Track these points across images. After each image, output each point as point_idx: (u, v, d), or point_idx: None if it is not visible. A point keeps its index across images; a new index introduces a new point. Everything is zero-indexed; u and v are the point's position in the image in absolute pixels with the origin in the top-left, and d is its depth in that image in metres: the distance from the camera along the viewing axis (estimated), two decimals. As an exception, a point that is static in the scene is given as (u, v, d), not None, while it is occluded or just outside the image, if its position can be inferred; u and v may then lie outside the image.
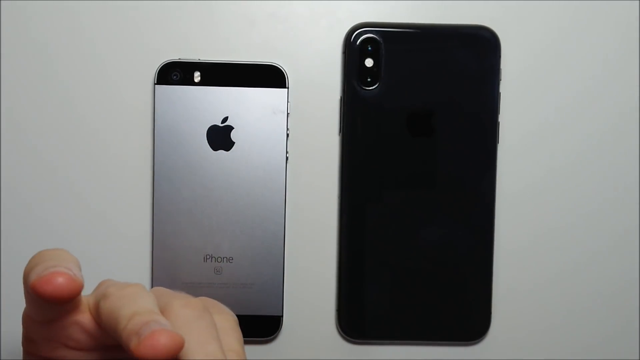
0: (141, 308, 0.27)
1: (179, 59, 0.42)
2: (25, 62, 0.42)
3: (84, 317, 0.29)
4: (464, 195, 0.42)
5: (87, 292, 0.31)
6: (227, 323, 0.30)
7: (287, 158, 0.42)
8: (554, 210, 0.44)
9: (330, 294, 0.43)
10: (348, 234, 0.42)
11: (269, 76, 0.42)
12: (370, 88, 0.42)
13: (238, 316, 0.42)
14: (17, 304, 0.43)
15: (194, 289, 0.42)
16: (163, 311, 0.28)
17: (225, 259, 0.42)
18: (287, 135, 0.42)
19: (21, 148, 0.43)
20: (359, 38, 0.42)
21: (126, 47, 0.43)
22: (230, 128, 0.42)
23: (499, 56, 0.42)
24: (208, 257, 0.42)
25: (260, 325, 0.42)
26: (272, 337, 0.43)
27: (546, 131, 0.44)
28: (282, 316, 0.43)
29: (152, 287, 0.42)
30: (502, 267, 0.44)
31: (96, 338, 0.29)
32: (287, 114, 0.42)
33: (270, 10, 0.43)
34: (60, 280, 0.27)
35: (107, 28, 0.43)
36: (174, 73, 0.42)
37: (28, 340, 0.30)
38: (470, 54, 0.42)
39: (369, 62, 0.42)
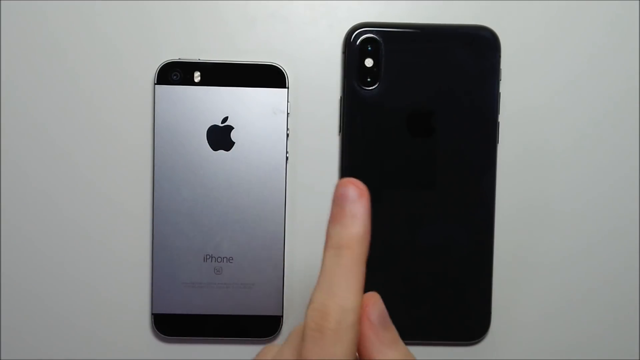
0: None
1: (179, 59, 0.42)
2: (24, 62, 0.43)
3: None
4: (464, 195, 0.42)
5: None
6: None
7: (287, 158, 0.42)
8: (554, 210, 0.44)
9: (330, 294, 0.43)
10: (348, 234, 0.42)
11: (269, 76, 0.42)
12: (370, 88, 0.42)
13: (238, 316, 0.42)
14: (17, 303, 0.43)
15: (194, 289, 0.42)
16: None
17: (225, 259, 0.42)
18: (287, 135, 0.42)
19: (21, 147, 0.43)
20: (359, 38, 0.42)
21: (126, 47, 0.43)
22: (230, 128, 0.42)
23: (499, 56, 0.42)
24: (208, 257, 0.42)
25: (260, 325, 0.42)
26: (272, 337, 0.43)
27: (546, 131, 0.44)
28: (282, 316, 0.43)
29: (152, 287, 0.42)
30: (502, 267, 0.44)
31: None
32: (287, 114, 0.42)
33: (270, 10, 0.43)
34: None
35: (107, 28, 0.43)
36: (174, 73, 0.42)
37: None
38: (470, 54, 0.42)
39: (368, 62, 0.42)
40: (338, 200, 0.29)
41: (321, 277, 0.29)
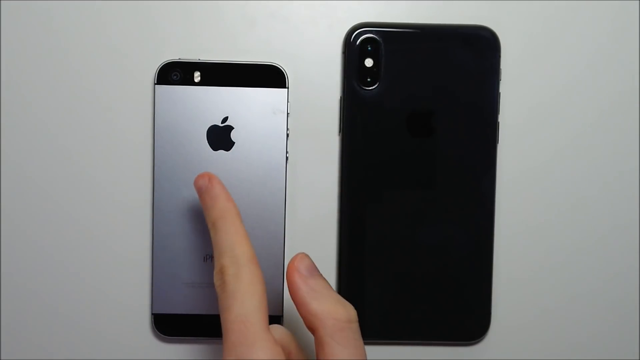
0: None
1: (179, 59, 0.42)
2: (24, 62, 0.43)
3: None
4: (464, 195, 0.42)
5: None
6: None
7: (287, 158, 0.42)
8: (555, 210, 0.44)
9: (330, 294, 0.43)
10: (348, 234, 0.42)
11: (269, 76, 0.42)
12: (370, 88, 0.42)
13: (238, 316, 0.42)
14: (17, 303, 0.43)
15: (194, 289, 0.42)
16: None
17: (225, 259, 0.42)
18: (287, 135, 0.42)
19: (21, 148, 0.43)
20: (359, 38, 0.42)
21: (126, 47, 0.43)
22: (230, 128, 0.42)
23: (499, 56, 0.42)
24: (208, 257, 0.42)
25: (260, 325, 0.42)
26: (272, 337, 0.43)
27: (546, 131, 0.44)
28: (282, 316, 0.43)
29: (152, 287, 0.42)
30: (502, 267, 0.44)
31: None
32: (287, 114, 0.42)
33: (270, 10, 0.43)
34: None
35: (107, 28, 0.43)
36: (174, 73, 0.42)
37: None
38: (470, 54, 0.42)
39: (368, 62, 0.42)
40: (199, 194, 0.36)
41: (213, 251, 0.34)
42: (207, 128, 0.42)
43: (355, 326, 0.33)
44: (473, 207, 0.42)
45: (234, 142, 0.42)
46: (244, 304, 0.31)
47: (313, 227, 0.43)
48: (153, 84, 0.42)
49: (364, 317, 0.43)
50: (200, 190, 0.36)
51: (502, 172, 0.43)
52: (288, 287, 0.33)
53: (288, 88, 0.42)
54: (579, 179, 0.44)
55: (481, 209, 0.43)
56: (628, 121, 0.44)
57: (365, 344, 0.44)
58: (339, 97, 0.43)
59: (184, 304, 0.42)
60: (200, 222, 0.42)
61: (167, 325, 0.42)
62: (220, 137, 0.42)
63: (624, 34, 0.43)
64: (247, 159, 0.42)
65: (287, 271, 0.33)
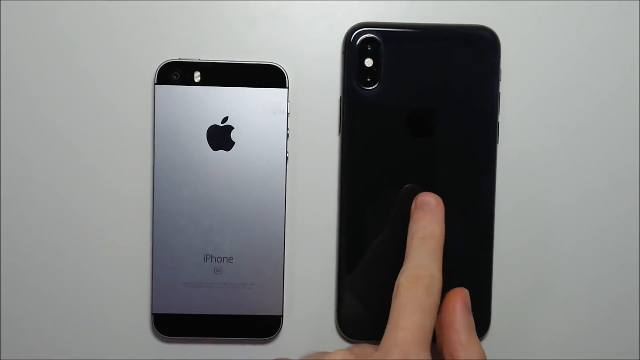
0: None
1: (179, 59, 0.42)
2: (24, 62, 0.43)
3: None
4: (464, 195, 0.42)
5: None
6: None
7: (287, 158, 0.42)
8: (554, 210, 0.44)
9: (330, 294, 0.43)
10: (348, 234, 0.42)
11: (269, 76, 0.42)
12: (370, 88, 0.42)
13: (238, 316, 0.42)
14: (17, 304, 0.43)
15: (194, 289, 0.42)
16: None
17: (225, 259, 0.42)
18: (287, 135, 0.42)
19: (21, 148, 0.43)
20: (359, 38, 0.42)
21: (126, 47, 0.43)
22: (230, 128, 0.42)
23: (499, 56, 0.42)
24: (208, 257, 0.42)
25: (260, 325, 0.42)
26: (272, 337, 0.43)
27: (546, 131, 0.44)
28: (282, 316, 0.43)
29: (152, 287, 0.42)
30: (502, 267, 0.44)
31: None
32: (287, 114, 0.42)
33: (270, 10, 0.43)
34: None
35: (107, 28, 0.43)
36: (174, 73, 0.42)
37: None
38: (470, 54, 0.42)
39: (368, 62, 0.42)
40: (421, 206, 0.38)
41: (409, 258, 0.36)
42: (207, 128, 0.42)
43: None
44: (473, 207, 0.42)
45: (234, 142, 0.42)
46: (423, 316, 0.33)
47: (313, 227, 0.43)
48: (153, 83, 0.42)
49: (364, 317, 0.43)
50: (425, 204, 0.38)
51: (502, 172, 0.43)
52: (444, 306, 0.37)
53: (288, 88, 0.42)
54: (579, 179, 0.44)
55: (481, 209, 0.43)
56: (628, 121, 0.44)
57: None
58: (339, 97, 0.43)
59: (184, 304, 0.42)
60: (200, 222, 0.42)
61: (167, 325, 0.42)
62: (220, 137, 0.42)
63: (624, 34, 0.43)
64: (247, 159, 0.42)
65: (452, 294, 0.37)
